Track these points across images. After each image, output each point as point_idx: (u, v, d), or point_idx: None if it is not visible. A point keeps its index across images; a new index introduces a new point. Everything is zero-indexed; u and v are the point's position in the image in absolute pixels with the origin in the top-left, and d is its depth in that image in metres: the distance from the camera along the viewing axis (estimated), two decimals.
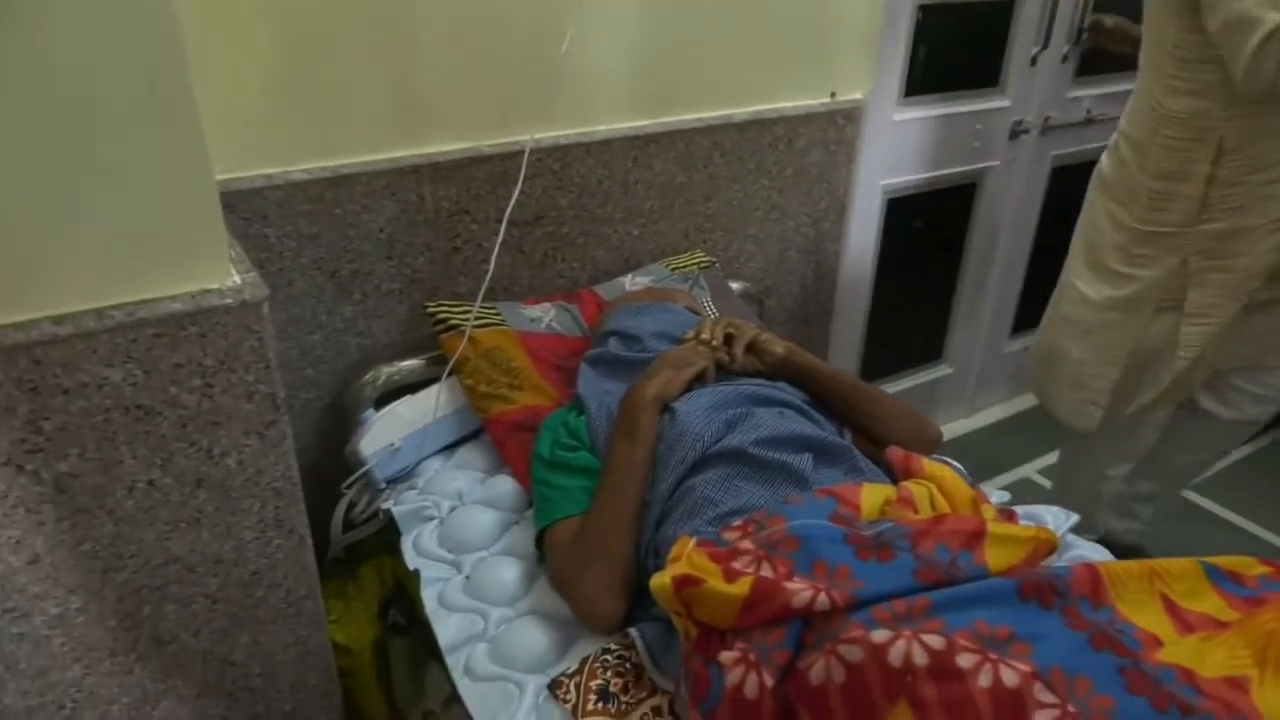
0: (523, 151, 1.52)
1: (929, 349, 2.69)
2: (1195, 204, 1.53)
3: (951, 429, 2.77)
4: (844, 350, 2.39)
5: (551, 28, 1.53)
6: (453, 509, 1.41)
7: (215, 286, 1.03)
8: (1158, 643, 0.89)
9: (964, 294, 2.62)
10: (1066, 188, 2.65)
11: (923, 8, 2.07)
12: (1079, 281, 1.73)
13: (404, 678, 1.65)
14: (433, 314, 1.58)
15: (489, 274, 1.52)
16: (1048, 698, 0.78)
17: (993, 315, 2.72)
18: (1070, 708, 0.77)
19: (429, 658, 1.54)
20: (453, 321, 1.55)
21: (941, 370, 2.72)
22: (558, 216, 1.73)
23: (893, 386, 2.58)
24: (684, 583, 0.96)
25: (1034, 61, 2.31)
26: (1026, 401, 2.93)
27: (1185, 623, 0.92)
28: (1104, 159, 1.71)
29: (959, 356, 2.72)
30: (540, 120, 1.63)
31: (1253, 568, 0.98)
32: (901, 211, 2.31)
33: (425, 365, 1.61)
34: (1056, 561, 1.07)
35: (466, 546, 1.34)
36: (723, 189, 1.91)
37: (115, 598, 1.10)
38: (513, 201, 1.49)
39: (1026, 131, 2.41)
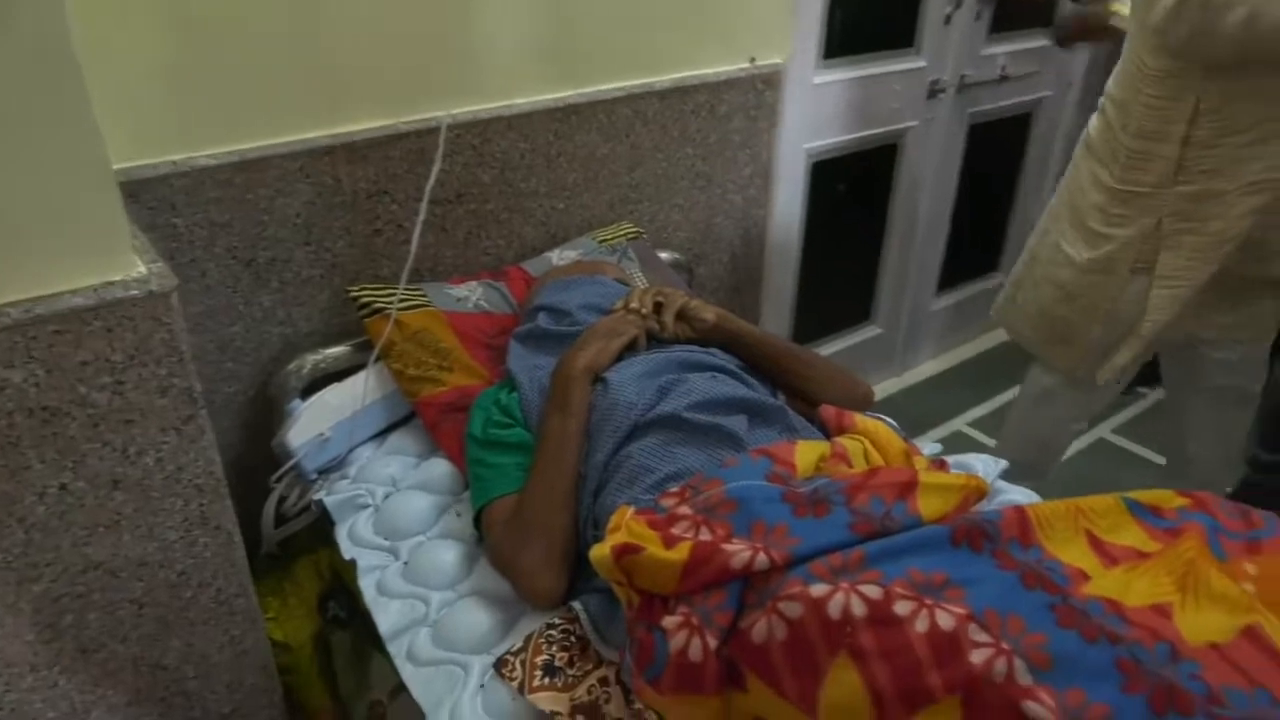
0: (440, 128, 1.48)
1: (858, 310, 2.73)
2: (1171, 165, 1.54)
3: (883, 388, 2.82)
4: (776, 314, 2.41)
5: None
6: (387, 495, 1.39)
7: (119, 278, 0.98)
8: (1085, 577, 0.91)
9: (890, 254, 2.65)
10: (984, 145, 2.71)
11: None
12: (1064, 243, 1.73)
13: (347, 670, 1.62)
14: (356, 298, 1.54)
15: (412, 255, 1.49)
16: (982, 637, 0.79)
17: (919, 274, 2.76)
18: (1004, 645, 0.79)
19: (372, 648, 1.51)
20: (377, 305, 1.52)
21: (871, 331, 2.76)
22: (480, 193, 1.70)
23: (824, 348, 2.62)
24: (623, 551, 0.95)
25: (948, 20, 2.34)
26: (955, 357, 3.00)
27: (1110, 556, 0.94)
28: (1091, 121, 1.71)
29: (888, 316, 2.77)
30: (458, 95, 1.59)
31: (1172, 500, 1.01)
32: (825, 174, 2.33)
33: (351, 351, 1.57)
34: (987, 507, 1.09)
35: (403, 532, 1.31)
36: (647, 159, 1.90)
37: (33, 609, 1.05)
38: (432, 179, 1.46)
39: (943, 91, 2.44)
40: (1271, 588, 0.92)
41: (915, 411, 2.68)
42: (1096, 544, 0.96)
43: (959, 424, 2.66)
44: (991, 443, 2.55)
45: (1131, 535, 0.97)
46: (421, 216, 1.48)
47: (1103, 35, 2.06)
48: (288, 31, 1.39)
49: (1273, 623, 0.86)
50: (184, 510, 1.12)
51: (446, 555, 1.25)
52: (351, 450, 1.50)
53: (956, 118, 2.56)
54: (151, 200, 1.36)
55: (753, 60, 1.96)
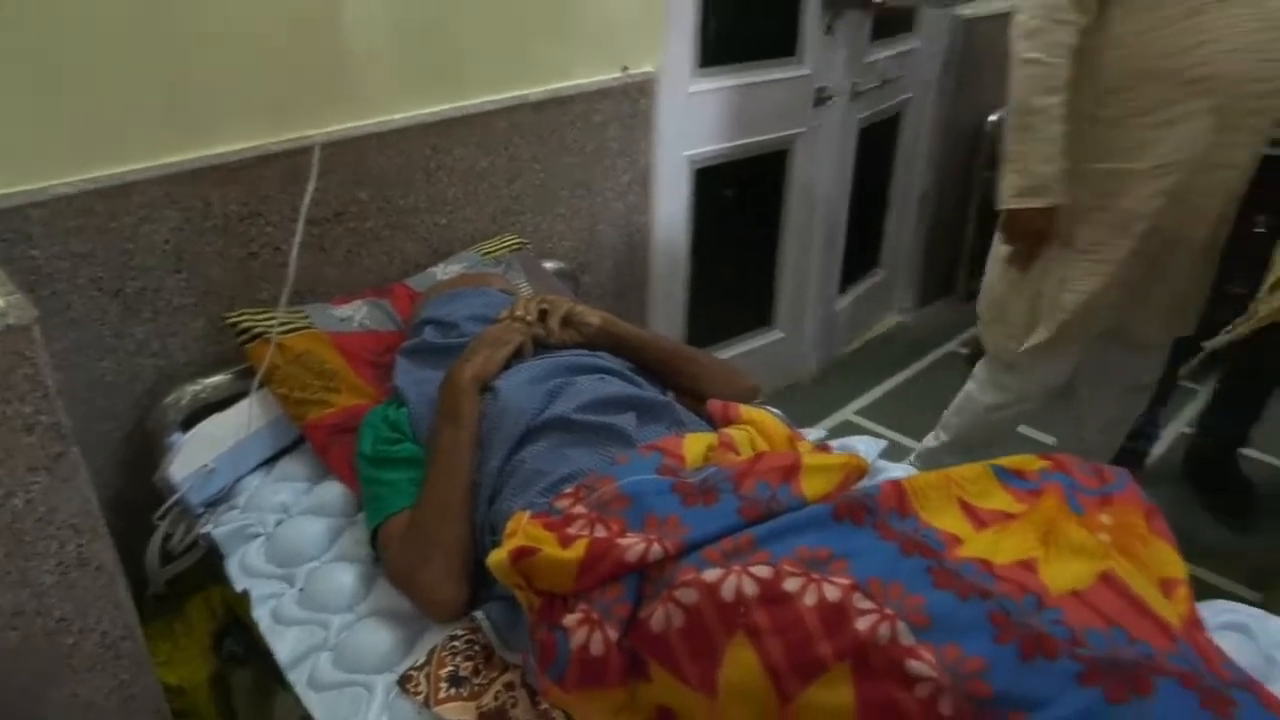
0: (314, 147, 1.46)
1: (758, 314, 2.75)
2: (1084, 144, 1.60)
3: (787, 389, 2.85)
4: (666, 319, 2.44)
5: (329, 14, 1.48)
6: (279, 523, 1.35)
7: None
8: (958, 541, 0.97)
9: (787, 258, 2.68)
10: (875, 149, 2.81)
11: None
12: None
13: (250, 709, 1.57)
14: (234, 325, 1.50)
15: (290, 277, 1.46)
16: (866, 605, 0.83)
17: (821, 277, 2.79)
18: (887, 610, 0.83)
19: (274, 683, 1.47)
20: (256, 330, 1.48)
21: (773, 335, 2.79)
22: (359, 211, 1.68)
23: (724, 353, 2.64)
24: (520, 554, 0.96)
25: (829, 30, 2.39)
26: (846, 350, 3.10)
27: (980, 520, 1.01)
28: None
29: (790, 320, 2.79)
30: (331, 112, 1.57)
31: (1034, 464, 1.08)
32: (712, 180, 2.37)
33: (233, 379, 1.53)
34: (868, 483, 1.14)
35: (297, 558, 1.29)
36: (526, 170, 1.91)
37: None
38: (307, 199, 1.44)
39: (830, 98, 2.49)
40: (1124, 535, 0.99)
41: (807, 406, 2.75)
42: (968, 510, 1.02)
43: (846, 413, 2.75)
44: (879, 428, 2.66)
45: (999, 499, 1.04)
46: (298, 237, 1.46)
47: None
48: (144, 52, 1.35)
49: (1125, 567, 0.93)
50: (59, 553, 1.07)
51: (344, 577, 1.23)
52: (239, 480, 1.46)
53: (846, 123, 2.62)
54: (6, 232, 1.29)
55: (625, 69, 2.00)
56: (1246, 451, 2.37)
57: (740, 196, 2.51)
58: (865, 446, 1.37)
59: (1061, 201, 1.62)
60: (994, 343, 1.90)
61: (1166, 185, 1.58)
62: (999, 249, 1.83)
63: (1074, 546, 0.94)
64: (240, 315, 1.51)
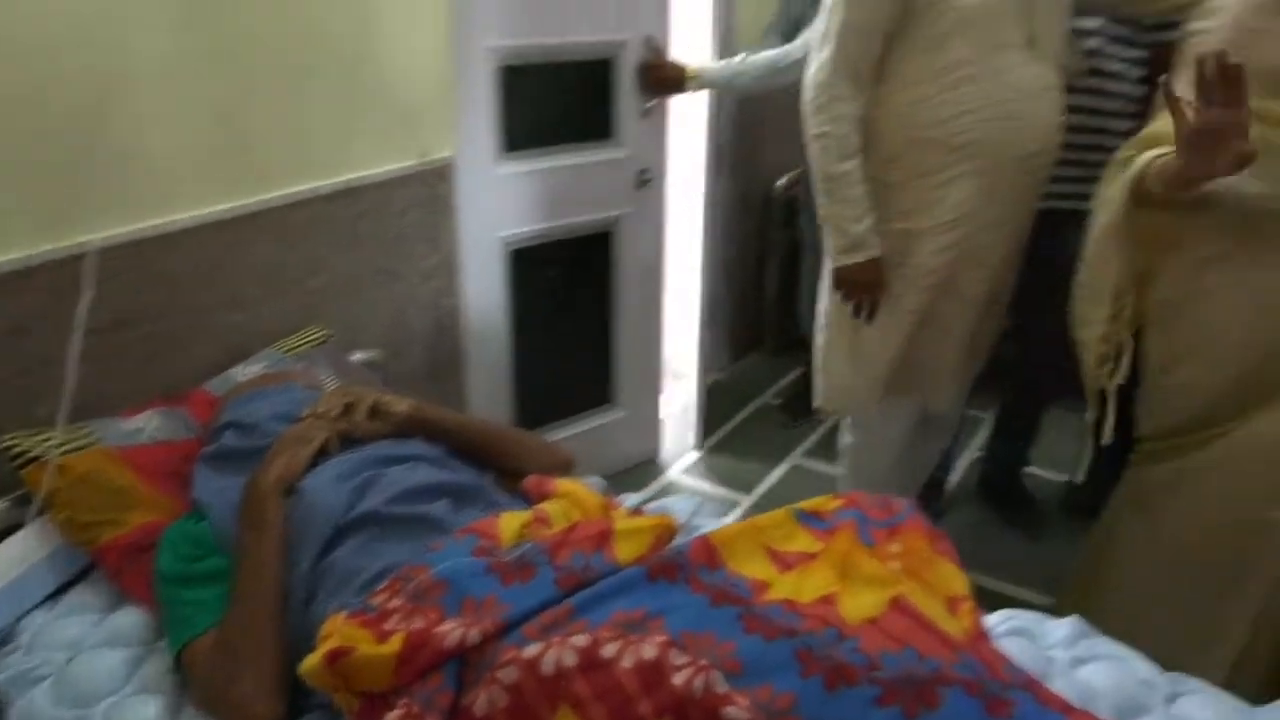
0: (88, 254, 1.39)
1: (597, 393, 2.72)
2: (879, 204, 1.72)
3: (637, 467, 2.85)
4: (490, 400, 2.43)
5: (99, 108, 1.42)
6: (70, 660, 1.24)
7: None
8: (765, 586, 1.02)
9: (623, 336, 2.68)
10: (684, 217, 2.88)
11: (508, 68, 2.15)
12: None
13: None
14: (7, 449, 1.39)
15: (68, 393, 1.37)
16: (682, 659, 0.86)
17: (658, 353, 2.79)
18: (701, 662, 0.86)
19: None
20: (33, 453, 1.37)
21: (614, 414, 2.76)
22: (149, 316, 1.59)
23: (561, 433, 2.62)
24: (336, 656, 0.94)
25: (646, 113, 2.45)
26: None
27: (785, 563, 1.07)
28: None
29: (630, 398, 2.77)
30: (109, 215, 1.50)
31: (830, 503, 1.16)
32: (534, 261, 2.37)
33: (9, 508, 1.40)
34: (681, 541, 1.18)
35: (92, 697, 1.18)
36: (327, 262, 1.88)
37: None
38: (82, 309, 1.36)
39: (651, 180, 2.53)
40: (912, 560, 1.08)
41: (635, 473, 2.79)
42: (774, 555, 1.09)
43: (673, 473, 2.82)
44: (703, 485, 2.75)
45: (801, 541, 1.11)
46: (75, 350, 1.37)
47: (677, 89, 2.34)
48: None
49: (914, 590, 1.02)
50: None
51: (146, 710, 1.14)
52: (20, 619, 1.33)
53: (669, 200, 2.64)
54: None
55: (422, 156, 2.02)
56: (1031, 469, 2.61)
57: (568, 276, 2.51)
58: (680, 505, 1.42)
59: (880, 253, 1.76)
60: (826, 396, 2.00)
61: (950, 241, 1.74)
62: (820, 307, 1.95)
63: (867, 577, 1.01)
64: (13, 439, 1.39)
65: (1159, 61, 1.68)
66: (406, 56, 1.94)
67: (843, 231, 1.74)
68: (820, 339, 1.96)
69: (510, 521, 1.12)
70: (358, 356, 1.89)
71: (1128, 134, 1.59)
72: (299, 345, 1.77)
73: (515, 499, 1.28)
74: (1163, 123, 1.40)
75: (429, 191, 2.05)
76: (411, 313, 2.11)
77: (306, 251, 1.84)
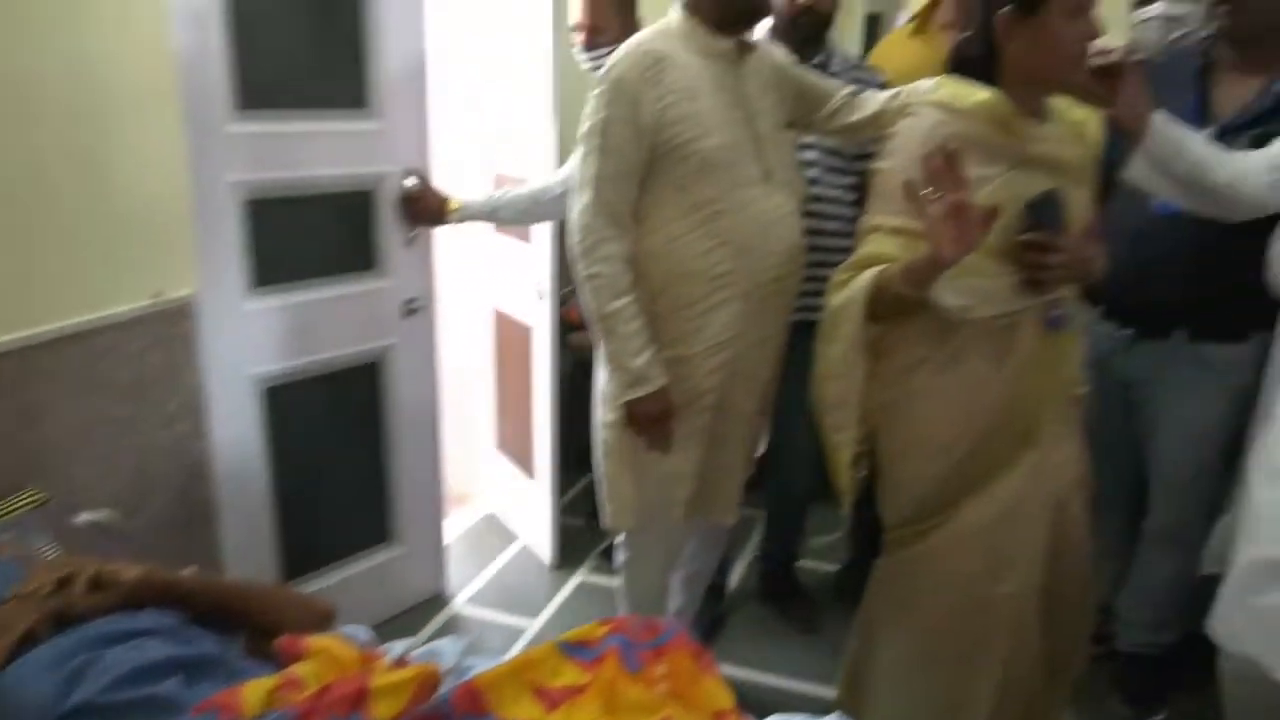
0: None
1: (374, 531, 2.58)
2: (654, 334, 1.78)
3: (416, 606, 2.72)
4: (249, 550, 2.24)
5: None
6: None
7: None
8: None
9: (399, 468, 2.57)
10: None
11: (254, 202, 2.08)
12: None
13: None
14: None
15: None
16: None
17: (436, 485, 2.69)
18: None
19: None
20: None
21: (394, 550, 2.62)
22: None
23: (336, 575, 2.46)
24: None
25: (410, 243, 2.41)
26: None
27: (552, 700, 1.05)
28: None
29: (410, 532, 2.65)
30: None
31: (596, 631, 1.16)
32: (292, 398, 2.26)
33: None
34: (447, 687, 1.13)
35: None
36: (49, 413, 1.71)
37: None
38: None
39: (419, 309, 2.48)
40: (679, 681, 1.10)
41: (420, 611, 2.66)
42: (541, 693, 1.06)
43: (458, 604, 2.72)
44: (490, 614, 2.66)
45: (568, 674, 1.09)
46: None
47: (439, 221, 2.38)
48: None
49: (679, 713, 1.03)
50: None
51: None
52: None
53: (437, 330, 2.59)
54: None
55: (156, 296, 1.90)
56: (802, 563, 2.73)
57: (335, 410, 2.40)
58: (449, 648, 1.35)
59: (665, 382, 1.81)
60: (615, 516, 2.00)
61: (720, 362, 1.84)
62: (601, 433, 1.97)
63: (631, 705, 1.01)
64: None
65: (866, 187, 1.89)
66: (141, 192, 1.85)
67: (625, 369, 1.80)
68: (604, 467, 1.99)
69: (254, 690, 1.03)
70: (84, 517, 1.70)
71: (845, 251, 1.78)
72: (9, 511, 1.57)
73: (267, 664, 1.18)
74: (872, 246, 1.59)
75: (168, 331, 1.93)
76: (154, 462, 1.94)
77: (23, 404, 1.66)
